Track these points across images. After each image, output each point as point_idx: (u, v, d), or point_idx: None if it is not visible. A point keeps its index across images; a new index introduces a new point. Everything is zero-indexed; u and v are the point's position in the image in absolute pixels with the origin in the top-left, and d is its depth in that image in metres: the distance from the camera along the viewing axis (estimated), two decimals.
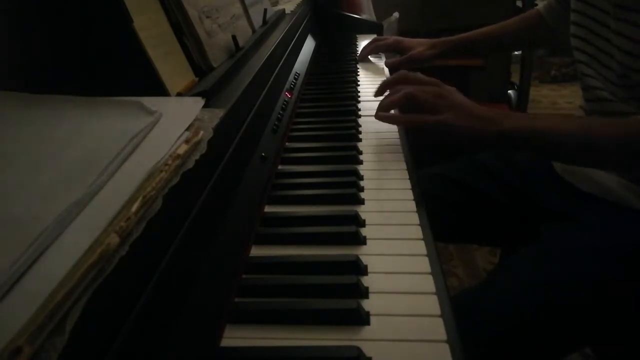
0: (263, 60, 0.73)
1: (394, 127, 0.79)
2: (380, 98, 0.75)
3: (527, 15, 1.02)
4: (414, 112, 0.67)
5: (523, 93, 1.89)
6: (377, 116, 0.72)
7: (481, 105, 0.66)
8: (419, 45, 1.14)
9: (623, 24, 0.64)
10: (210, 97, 0.51)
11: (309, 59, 1.18)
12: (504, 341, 0.60)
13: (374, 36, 1.51)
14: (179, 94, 0.50)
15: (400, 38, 1.19)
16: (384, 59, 1.25)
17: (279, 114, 0.77)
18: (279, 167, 0.68)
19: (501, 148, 0.69)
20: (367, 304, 0.42)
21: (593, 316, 0.60)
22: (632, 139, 0.58)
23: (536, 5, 1.36)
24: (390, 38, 1.21)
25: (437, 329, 0.39)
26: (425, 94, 0.66)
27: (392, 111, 0.73)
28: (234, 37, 0.70)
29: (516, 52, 2.51)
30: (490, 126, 0.63)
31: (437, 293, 0.42)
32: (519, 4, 1.98)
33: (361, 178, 0.64)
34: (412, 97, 0.66)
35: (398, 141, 0.75)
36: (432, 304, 0.41)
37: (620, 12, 0.64)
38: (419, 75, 0.72)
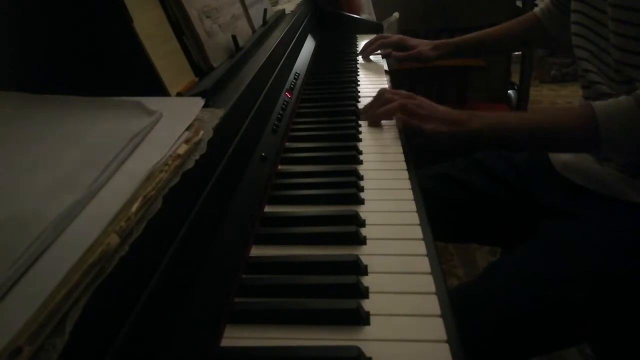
0: (263, 61, 0.73)
1: (394, 127, 0.80)
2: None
3: (524, 19, 1.05)
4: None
5: (523, 93, 1.89)
6: (373, 115, 0.80)
7: (453, 109, 0.73)
8: (423, 45, 1.17)
9: (617, 24, 0.65)
10: (210, 97, 0.51)
11: (309, 59, 1.18)
12: (503, 336, 0.60)
13: (374, 36, 1.51)
14: (179, 94, 0.50)
15: (405, 37, 1.22)
16: (384, 60, 1.25)
17: (279, 114, 0.77)
18: (279, 167, 0.68)
19: (476, 144, 0.77)
20: (367, 304, 0.42)
21: (592, 310, 0.61)
22: (588, 121, 0.64)
23: (536, 5, 1.37)
24: (395, 36, 1.23)
25: (437, 329, 0.39)
26: (412, 106, 0.75)
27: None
28: (234, 37, 0.70)
29: (516, 52, 2.51)
30: (462, 128, 0.70)
31: (437, 293, 0.42)
32: (519, 4, 1.98)
33: (361, 178, 0.64)
34: (404, 107, 0.75)
35: (398, 141, 0.75)
36: (432, 304, 0.41)
37: (616, 11, 0.65)
38: (399, 91, 0.81)
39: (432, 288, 0.43)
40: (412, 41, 1.20)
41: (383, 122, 0.82)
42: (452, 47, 1.15)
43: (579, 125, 0.66)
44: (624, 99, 0.63)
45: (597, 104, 0.64)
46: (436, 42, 1.17)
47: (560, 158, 0.80)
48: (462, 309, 0.57)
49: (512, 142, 0.74)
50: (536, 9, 1.01)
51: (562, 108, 0.82)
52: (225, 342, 0.39)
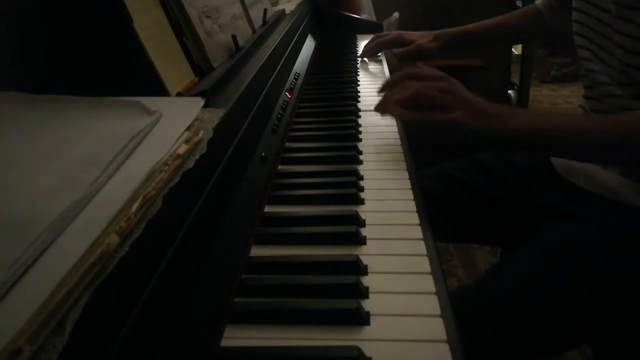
0: (263, 60, 0.73)
1: (394, 127, 0.79)
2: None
3: (525, 11, 1.04)
4: (419, 108, 0.65)
5: (523, 93, 1.89)
6: (386, 109, 0.67)
7: (490, 101, 0.64)
8: (421, 37, 1.15)
9: (623, 22, 0.64)
10: (210, 97, 0.51)
11: (309, 59, 1.18)
12: (503, 337, 0.60)
13: (375, 35, 1.51)
14: (179, 94, 0.50)
15: (402, 32, 1.21)
16: (384, 58, 1.25)
17: (279, 114, 0.77)
18: (279, 167, 0.68)
19: (507, 146, 0.66)
20: (367, 304, 0.42)
21: (592, 312, 0.61)
22: None
23: None
24: (392, 33, 1.22)
25: (437, 329, 0.39)
26: (433, 91, 0.64)
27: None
28: (234, 37, 0.70)
29: (516, 52, 2.51)
30: (498, 123, 0.61)
31: (437, 293, 0.42)
32: (519, 4, 1.98)
33: (361, 178, 0.64)
34: (421, 95, 0.64)
35: (398, 141, 0.75)
36: (432, 304, 0.41)
37: (621, 10, 0.64)
38: (426, 69, 0.69)
39: (432, 288, 0.43)
40: (410, 35, 1.17)
41: (382, 121, 0.81)
42: (453, 36, 1.13)
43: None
44: None
45: None
46: (436, 32, 1.15)
47: (561, 160, 0.80)
48: (463, 310, 0.58)
49: (552, 148, 0.65)
50: (537, 1, 1.00)
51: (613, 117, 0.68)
52: (225, 342, 0.39)
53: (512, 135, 0.61)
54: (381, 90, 0.74)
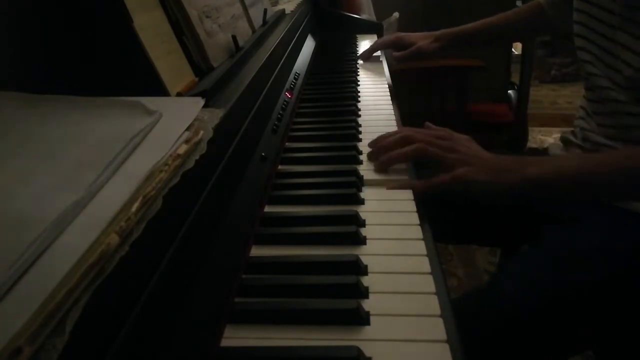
0: (263, 60, 0.73)
1: (394, 128, 0.79)
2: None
3: (527, 8, 1.03)
4: (424, 166, 0.62)
5: (523, 93, 1.89)
6: (384, 169, 0.64)
7: (500, 155, 0.61)
8: (421, 38, 1.14)
9: (631, 24, 0.64)
10: (210, 97, 0.51)
11: (309, 59, 1.18)
12: (505, 342, 0.60)
13: (374, 36, 1.52)
14: (179, 94, 0.50)
15: (402, 34, 1.20)
16: (384, 59, 1.25)
17: (279, 114, 0.77)
18: (279, 167, 0.68)
19: (526, 197, 0.62)
20: (367, 304, 0.42)
21: (594, 317, 0.60)
22: None
23: None
24: (392, 35, 1.21)
25: (437, 329, 0.39)
26: (437, 150, 0.60)
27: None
28: (234, 37, 0.70)
29: (516, 52, 2.51)
30: (511, 177, 0.57)
31: (437, 293, 0.42)
32: (519, 4, 1.98)
33: (361, 178, 0.64)
34: (423, 152, 0.61)
35: None
36: (432, 304, 0.41)
37: (630, 11, 0.64)
38: (428, 126, 0.65)
39: (432, 288, 0.43)
40: (410, 37, 1.16)
41: (382, 121, 0.81)
42: (454, 37, 1.12)
43: None
44: None
45: None
46: (436, 32, 1.14)
47: None
48: (464, 311, 0.57)
49: (578, 189, 0.60)
50: None
51: None
52: (225, 342, 0.39)
53: (531, 185, 0.58)
54: (371, 156, 0.68)
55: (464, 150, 0.61)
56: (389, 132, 0.67)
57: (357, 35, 1.53)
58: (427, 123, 0.67)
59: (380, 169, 0.64)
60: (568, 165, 0.60)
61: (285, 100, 0.83)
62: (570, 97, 3.22)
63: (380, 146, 0.66)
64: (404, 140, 0.63)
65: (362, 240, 0.50)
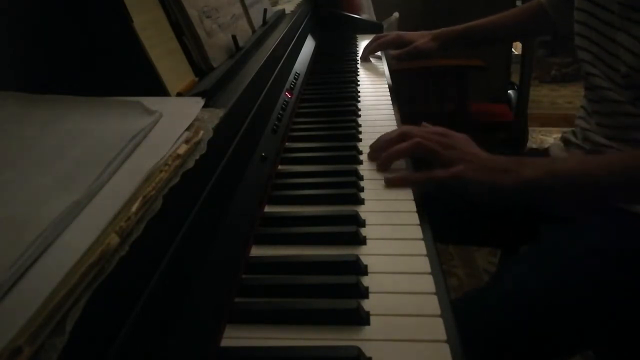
0: (263, 60, 0.73)
1: (394, 127, 0.79)
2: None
3: (528, 6, 1.03)
4: (422, 165, 0.62)
5: (523, 93, 1.88)
6: (385, 167, 0.65)
7: (498, 155, 0.60)
8: (421, 37, 1.15)
9: (629, 23, 0.64)
10: (210, 97, 0.51)
11: (309, 59, 1.18)
12: (505, 342, 0.60)
13: (374, 36, 1.51)
14: (179, 94, 0.50)
15: (401, 33, 1.20)
16: (384, 58, 1.25)
17: (279, 114, 0.77)
18: (279, 167, 0.68)
19: (523, 197, 0.61)
20: (367, 304, 0.42)
21: (594, 318, 0.60)
22: None
23: None
24: (392, 34, 1.22)
25: (437, 329, 0.39)
26: (435, 145, 0.60)
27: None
28: (234, 37, 0.70)
29: (516, 52, 2.51)
30: (507, 177, 0.57)
31: (437, 293, 0.42)
32: (519, 4, 1.98)
33: (361, 178, 0.64)
34: (421, 147, 0.61)
35: None
36: (432, 304, 0.41)
37: (627, 11, 0.64)
38: (425, 126, 0.66)
39: (432, 288, 0.43)
40: (409, 35, 1.17)
41: (382, 121, 0.81)
42: (453, 36, 1.12)
43: None
44: None
45: None
46: (436, 31, 1.14)
47: None
48: (466, 316, 0.57)
49: (591, 193, 0.59)
50: None
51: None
52: (225, 342, 0.39)
53: (527, 186, 0.57)
54: (371, 155, 0.69)
55: (462, 148, 0.61)
56: (388, 132, 0.68)
57: (357, 35, 1.53)
58: (424, 123, 0.68)
59: (381, 167, 0.65)
60: (564, 167, 0.60)
61: (285, 100, 0.83)
62: (570, 97, 3.22)
63: (380, 145, 0.67)
64: (403, 136, 0.64)
65: (362, 240, 0.50)
